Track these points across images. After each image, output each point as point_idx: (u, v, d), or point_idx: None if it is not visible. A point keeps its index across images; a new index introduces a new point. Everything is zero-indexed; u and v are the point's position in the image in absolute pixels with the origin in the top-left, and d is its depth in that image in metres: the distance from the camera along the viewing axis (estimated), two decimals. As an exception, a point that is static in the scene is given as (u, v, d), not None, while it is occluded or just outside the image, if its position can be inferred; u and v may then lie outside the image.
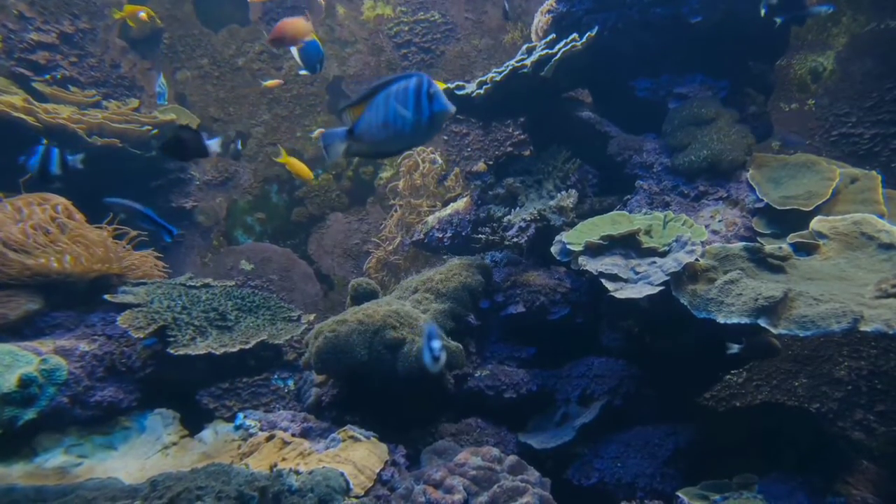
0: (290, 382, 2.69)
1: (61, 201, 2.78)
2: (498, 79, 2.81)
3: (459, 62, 4.68)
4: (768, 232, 2.57)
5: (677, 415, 2.39)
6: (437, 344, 1.67)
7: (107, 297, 2.60)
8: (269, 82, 4.13)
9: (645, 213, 2.67)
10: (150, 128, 3.73)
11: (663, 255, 2.27)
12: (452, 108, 1.40)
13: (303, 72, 2.86)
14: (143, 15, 4.03)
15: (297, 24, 2.65)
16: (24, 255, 2.52)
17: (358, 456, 1.99)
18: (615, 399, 2.41)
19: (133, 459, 2.22)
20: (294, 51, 2.71)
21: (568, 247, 2.45)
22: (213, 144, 1.71)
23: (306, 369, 2.58)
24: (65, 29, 4.09)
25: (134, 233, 3.03)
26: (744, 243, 2.25)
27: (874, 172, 2.66)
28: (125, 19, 4.11)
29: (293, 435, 2.20)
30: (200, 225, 4.43)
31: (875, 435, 2.51)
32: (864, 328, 1.66)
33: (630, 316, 2.50)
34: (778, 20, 2.61)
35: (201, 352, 2.43)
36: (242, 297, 2.92)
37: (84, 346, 2.43)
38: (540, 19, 3.39)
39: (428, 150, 4.36)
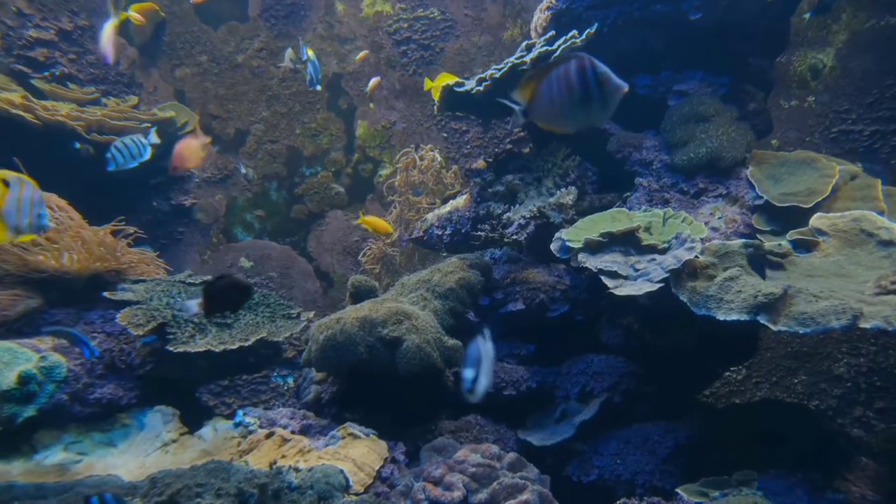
0: (290, 380, 2.69)
1: (59, 201, 2.78)
2: (497, 76, 2.80)
3: (459, 59, 4.67)
4: (768, 229, 2.57)
5: (677, 412, 2.40)
6: (468, 374, 1.47)
7: (106, 294, 2.60)
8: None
9: (644, 211, 2.67)
10: (149, 125, 3.72)
11: (663, 252, 2.26)
12: (625, 86, 1.40)
13: (313, 87, 2.92)
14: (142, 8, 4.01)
15: (190, 147, 2.87)
16: (23, 251, 2.52)
17: (357, 453, 1.99)
18: (615, 396, 2.41)
19: (133, 457, 2.22)
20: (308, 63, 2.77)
21: (567, 244, 2.44)
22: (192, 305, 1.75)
23: (306, 367, 2.57)
24: (63, 26, 4.07)
25: (132, 231, 3.03)
26: (743, 240, 2.25)
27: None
28: (128, 18, 4.10)
29: (293, 432, 2.20)
30: (200, 222, 4.42)
31: (874, 432, 2.51)
32: (863, 325, 1.66)
33: (630, 313, 2.50)
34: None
35: (201, 349, 2.43)
36: (242, 294, 2.92)
37: (83, 343, 2.43)
38: (539, 16, 3.38)
39: (427, 147, 4.36)
